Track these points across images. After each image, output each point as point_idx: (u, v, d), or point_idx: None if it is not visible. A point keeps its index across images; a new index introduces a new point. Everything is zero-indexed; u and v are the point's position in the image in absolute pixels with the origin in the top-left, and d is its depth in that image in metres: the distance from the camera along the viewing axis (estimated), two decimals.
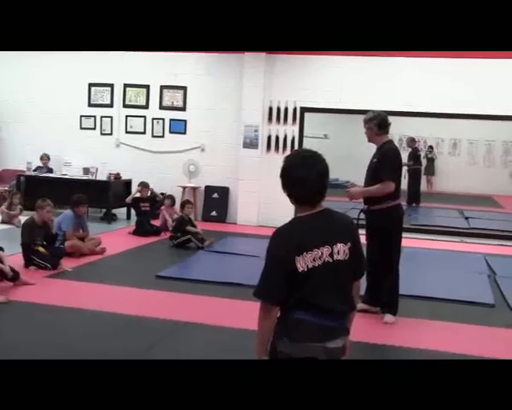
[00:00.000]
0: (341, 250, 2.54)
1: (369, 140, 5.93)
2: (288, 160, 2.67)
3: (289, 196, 2.65)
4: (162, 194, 11.25)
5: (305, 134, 11.46)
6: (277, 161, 11.83)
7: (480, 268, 8.41)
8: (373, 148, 5.95)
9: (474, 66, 10.40)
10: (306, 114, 11.29)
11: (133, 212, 10.51)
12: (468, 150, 19.81)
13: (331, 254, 2.52)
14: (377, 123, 5.78)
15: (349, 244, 2.57)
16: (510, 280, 7.68)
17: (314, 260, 2.49)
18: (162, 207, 10.02)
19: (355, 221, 5.68)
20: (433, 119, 10.93)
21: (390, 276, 5.72)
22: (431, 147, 19.58)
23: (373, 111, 5.97)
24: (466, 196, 17.60)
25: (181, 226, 9.08)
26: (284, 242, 2.54)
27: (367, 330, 5.31)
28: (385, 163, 5.65)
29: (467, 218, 13.52)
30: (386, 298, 5.78)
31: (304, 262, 2.48)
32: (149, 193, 10.33)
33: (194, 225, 9.32)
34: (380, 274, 5.66)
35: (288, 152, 11.17)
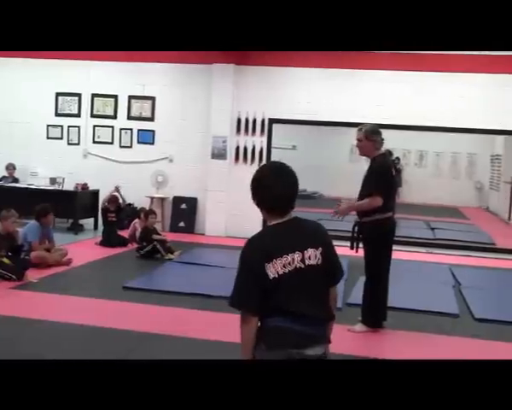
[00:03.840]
0: (313, 255, 2.58)
1: (366, 153, 5.88)
2: (258, 171, 2.73)
3: (258, 205, 2.70)
4: (129, 204, 11.19)
5: (273, 145, 11.51)
6: (246, 171, 11.97)
7: (445, 279, 8.53)
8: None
9: (440, 79, 10.59)
10: (275, 125, 11.35)
11: (100, 222, 10.42)
12: (435, 162, 20.08)
13: (302, 260, 2.56)
14: (380, 136, 5.82)
15: (320, 249, 2.60)
16: (474, 290, 7.81)
17: (284, 266, 2.53)
18: (136, 220, 9.89)
19: (351, 234, 5.79)
20: (399, 130, 11.04)
21: (374, 287, 5.77)
22: (398, 158, 19.80)
23: (368, 124, 6.02)
24: (432, 207, 17.82)
25: (146, 236, 9.05)
26: (254, 249, 2.59)
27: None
28: (376, 178, 5.69)
29: (433, 229, 13.69)
30: (364, 307, 5.84)
31: (274, 269, 2.52)
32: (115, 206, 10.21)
33: (158, 235, 9.30)
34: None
35: (256, 163, 11.24)
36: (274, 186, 2.62)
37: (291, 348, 2.53)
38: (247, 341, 2.61)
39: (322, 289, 2.64)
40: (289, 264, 2.54)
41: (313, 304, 2.58)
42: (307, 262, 2.56)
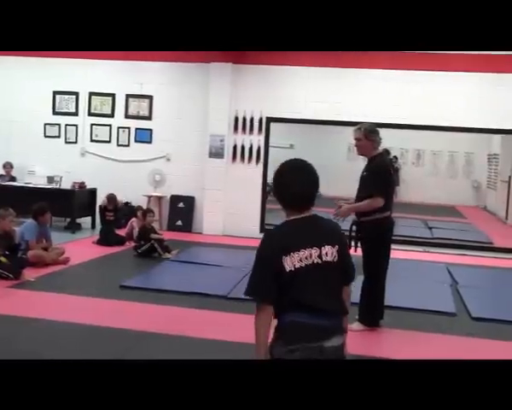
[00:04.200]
0: (329, 252, 2.63)
1: (364, 153, 5.88)
2: (279, 167, 2.77)
3: (278, 200, 2.76)
4: (126, 203, 11.18)
5: (270, 144, 11.51)
6: (243, 170, 11.95)
7: (442, 277, 8.54)
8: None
9: (437, 79, 10.59)
10: (272, 124, 11.35)
11: (98, 221, 10.42)
12: (432, 161, 20.08)
13: (320, 256, 2.61)
14: (378, 135, 5.82)
15: (337, 247, 2.65)
16: (471, 289, 7.82)
17: (301, 260, 2.57)
18: (133, 219, 9.90)
19: (347, 233, 5.79)
20: (397, 129, 11.04)
21: (372, 286, 5.77)
22: (395, 157, 19.81)
23: (366, 123, 6.03)
24: (430, 207, 17.82)
25: (144, 235, 9.05)
26: (272, 241, 2.65)
27: None
28: (375, 178, 5.68)
29: (430, 228, 13.70)
30: (361, 305, 5.85)
31: (291, 262, 2.56)
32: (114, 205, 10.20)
33: (156, 234, 9.31)
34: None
35: (253, 162, 11.26)
36: (293, 184, 2.68)
37: (309, 342, 2.57)
38: (260, 331, 2.64)
39: (337, 286, 2.70)
40: (306, 258, 2.58)
41: (329, 298, 2.63)
42: (324, 258, 2.61)
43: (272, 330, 2.67)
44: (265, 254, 2.62)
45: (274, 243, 2.63)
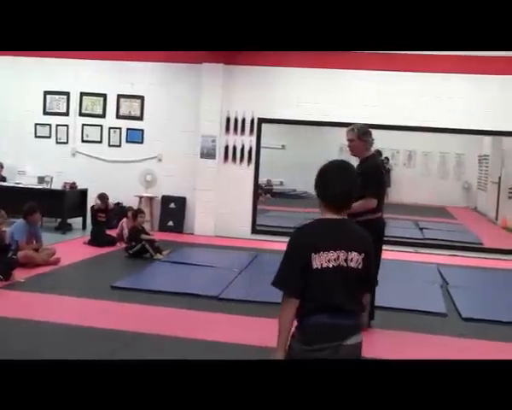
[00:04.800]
0: (355, 259, 2.68)
1: (357, 154, 5.87)
2: (325, 166, 2.83)
3: (318, 196, 2.80)
4: (118, 203, 11.16)
5: (262, 145, 11.52)
6: (234, 171, 11.94)
7: (433, 278, 8.57)
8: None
9: (428, 80, 10.63)
10: (264, 125, 11.35)
11: (89, 222, 10.39)
12: (423, 162, 20.13)
13: (346, 260, 2.66)
14: (370, 137, 5.83)
15: (363, 255, 2.71)
16: (462, 290, 7.85)
17: (329, 260, 2.63)
18: (124, 220, 9.89)
19: None
20: (388, 131, 11.07)
21: None
22: (387, 158, 19.84)
23: (358, 124, 6.01)
24: (421, 207, 17.86)
25: (135, 236, 9.03)
26: (303, 238, 2.71)
27: None
28: (367, 179, 5.67)
29: (421, 228, 13.74)
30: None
31: (319, 261, 2.62)
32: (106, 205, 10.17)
33: (147, 234, 9.29)
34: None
35: (245, 162, 11.26)
36: (336, 184, 2.73)
37: (330, 342, 2.63)
38: (284, 322, 2.69)
39: (357, 291, 2.75)
40: (334, 260, 2.64)
41: (350, 300, 2.68)
42: (349, 263, 2.67)
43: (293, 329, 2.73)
44: (295, 249, 2.68)
45: (305, 238, 2.70)
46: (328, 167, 2.82)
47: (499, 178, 15.76)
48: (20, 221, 8.17)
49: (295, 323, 2.73)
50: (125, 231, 9.55)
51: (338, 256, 2.64)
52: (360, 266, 2.69)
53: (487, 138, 16.30)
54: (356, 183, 2.81)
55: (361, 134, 5.81)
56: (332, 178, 2.76)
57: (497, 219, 15.66)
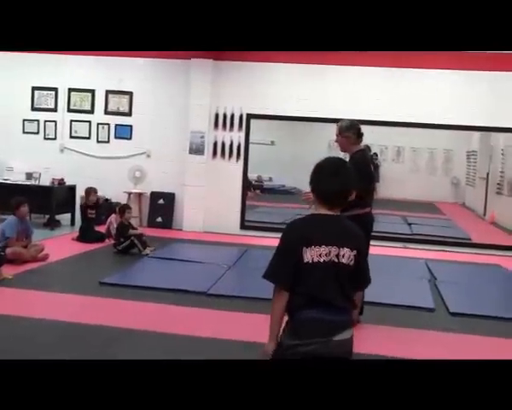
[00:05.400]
0: (347, 255, 2.69)
1: (343, 149, 5.89)
2: (322, 161, 2.84)
3: (313, 191, 2.82)
4: (106, 199, 11.13)
5: (251, 140, 11.53)
6: (223, 167, 11.92)
7: (422, 273, 8.61)
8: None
9: (416, 76, 10.67)
10: (253, 121, 11.35)
11: (78, 218, 10.35)
12: (412, 158, 20.20)
13: (337, 256, 2.67)
14: (355, 132, 5.81)
15: (355, 251, 2.72)
16: (449, 285, 7.90)
17: (320, 255, 2.65)
18: (112, 216, 9.87)
19: None
20: (377, 126, 11.09)
21: None
22: (376, 154, 19.88)
23: (345, 120, 6.01)
24: (409, 203, 17.92)
25: (122, 231, 9.01)
26: (296, 232, 2.73)
27: None
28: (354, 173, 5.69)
29: (410, 224, 13.79)
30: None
31: (310, 255, 2.64)
32: (96, 199, 10.12)
33: (135, 229, 9.27)
34: None
35: (234, 158, 11.26)
36: (332, 180, 2.75)
37: (321, 337, 2.64)
38: (276, 314, 2.73)
39: (349, 287, 2.75)
40: (326, 255, 2.65)
41: (342, 296, 2.70)
42: (341, 259, 2.68)
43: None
44: (288, 242, 2.71)
45: (298, 232, 2.72)
46: (324, 164, 2.83)
47: (487, 173, 15.84)
48: (11, 218, 8.11)
49: (286, 318, 2.74)
50: (113, 227, 9.54)
51: (330, 251, 2.66)
52: (352, 263, 2.70)
53: (475, 134, 16.37)
54: (351, 180, 2.82)
55: (342, 130, 5.82)
56: (327, 175, 2.77)
57: (485, 214, 15.74)
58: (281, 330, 2.75)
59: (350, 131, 5.80)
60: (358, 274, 2.76)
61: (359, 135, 5.84)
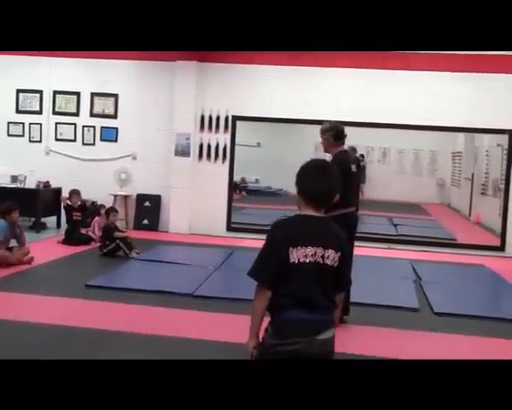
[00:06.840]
0: (331, 256, 2.72)
1: (325, 150, 6.03)
2: (308, 163, 2.88)
3: (299, 193, 2.83)
4: (93, 202, 11.10)
5: (237, 142, 11.54)
6: (209, 169, 11.91)
7: (406, 274, 8.66)
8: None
9: (401, 77, 10.74)
10: (238, 123, 11.37)
11: (63, 221, 10.32)
12: (398, 159, 20.30)
13: (322, 257, 2.70)
14: (333, 134, 5.90)
15: (339, 254, 2.75)
16: (434, 285, 7.95)
17: (306, 256, 2.67)
18: (96, 218, 9.86)
19: None
20: (362, 128, 11.14)
21: None
22: (362, 155, 19.95)
23: (329, 122, 6.10)
24: (395, 204, 18.01)
25: (108, 234, 9.00)
26: (282, 231, 2.76)
27: None
28: None
29: (395, 225, 13.85)
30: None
31: (296, 255, 2.67)
32: (80, 202, 10.10)
33: (120, 232, 9.26)
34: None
35: (220, 160, 11.26)
36: (318, 181, 2.77)
37: (304, 337, 2.67)
38: (257, 311, 2.76)
39: (331, 288, 2.78)
40: (311, 256, 2.68)
41: (325, 296, 2.72)
42: (325, 260, 2.71)
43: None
44: (274, 241, 2.73)
45: (284, 232, 2.74)
46: (310, 165, 2.86)
47: (472, 174, 15.96)
48: (1, 222, 8.05)
49: (269, 318, 2.76)
50: (96, 230, 9.53)
51: (315, 252, 2.68)
52: (336, 265, 2.73)
53: (460, 135, 16.51)
54: (336, 181, 2.85)
55: (321, 132, 5.97)
56: (312, 177, 2.80)
57: (470, 215, 15.85)
58: (263, 330, 2.77)
59: (328, 133, 5.93)
60: (340, 276, 2.79)
61: (337, 137, 5.91)
